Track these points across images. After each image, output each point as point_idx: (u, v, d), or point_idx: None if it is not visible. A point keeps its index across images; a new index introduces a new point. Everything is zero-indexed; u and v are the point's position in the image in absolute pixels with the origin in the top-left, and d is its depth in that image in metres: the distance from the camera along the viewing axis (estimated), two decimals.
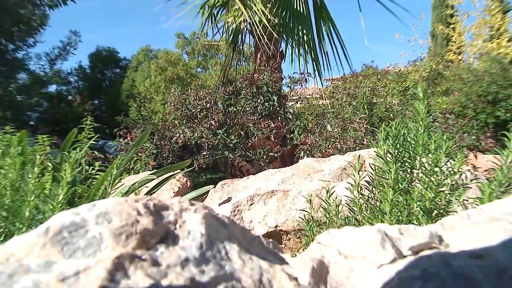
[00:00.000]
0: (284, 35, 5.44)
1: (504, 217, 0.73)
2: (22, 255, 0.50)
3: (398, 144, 1.24)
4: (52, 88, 13.59)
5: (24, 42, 10.00)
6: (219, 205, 2.41)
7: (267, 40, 4.89)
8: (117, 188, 2.05)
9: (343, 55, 5.79)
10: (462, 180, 1.24)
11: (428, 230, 0.69)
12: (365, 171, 1.35)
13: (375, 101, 4.75)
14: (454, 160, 1.20)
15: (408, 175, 1.28)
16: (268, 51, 5.17)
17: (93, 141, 2.99)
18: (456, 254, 0.60)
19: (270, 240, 0.72)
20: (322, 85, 5.74)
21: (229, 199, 2.44)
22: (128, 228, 0.53)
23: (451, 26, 12.58)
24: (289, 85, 5.77)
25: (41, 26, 10.12)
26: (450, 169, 1.18)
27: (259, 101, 4.85)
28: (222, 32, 5.68)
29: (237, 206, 2.30)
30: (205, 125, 4.63)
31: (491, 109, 5.64)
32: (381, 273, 0.60)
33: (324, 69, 5.60)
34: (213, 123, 4.63)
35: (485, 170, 3.85)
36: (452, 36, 12.39)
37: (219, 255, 0.56)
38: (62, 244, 0.51)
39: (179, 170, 2.51)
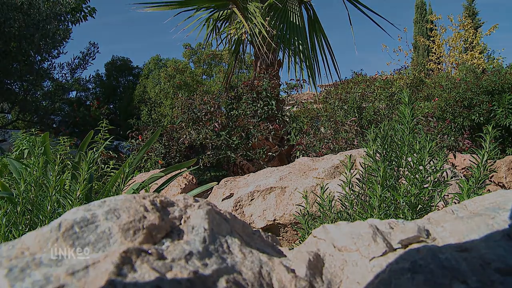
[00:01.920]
0: (281, 45, 5.42)
1: (486, 212, 0.71)
2: (36, 249, 0.48)
3: (386, 145, 1.23)
4: (73, 94, 13.61)
5: (49, 54, 10.04)
6: (222, 201, 2.38)
7: (266, 50, 4.87)
8: (129, 184, 2.03)
9: (332, 64, 5.80)
10: (443, 177, 1.23)
11: (416, 224, 0.66)
12: (356, 169, 1.33)
13: (364, 105, 4.73)
14: (436, 159, 1.18)
15: (395, 173, 1.26)
16: (267, 59, 5.15)
17: (108, 142, 2.97)
18: (443, 247, 0.58)
19: (269, 234, 0.70)
20: (316, 91, 5.72)
21: (231, 195, 2.41)
22: (135, 224, 0.51)
23: (431, 39, 12.63)
24: (286, 90, 5.75)
25: (64, 39, 10.16)
26: (433, 167, 1.17)
27: (258, 105, 4.83)
28: (225, 42, 5.66)
29: (239, 202, 2.28)
30: (209, 127, 4.61)
31: (467, 113, 5.64)
32: (373, 265, 0.58)
33: (317, 76, 5.59)
34: (217, 125, 4.61)
35: (463, 168, 3.84)
36: (432, 47, 12.44)
37: (221, 249, 0.53)
38: (73, 239, 0.48)
39: (185, 168, 2.48)
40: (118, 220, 0.51)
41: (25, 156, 3.36)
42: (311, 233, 0.72)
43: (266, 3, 5.06)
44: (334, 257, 0.60)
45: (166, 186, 2.47)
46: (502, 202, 0.70)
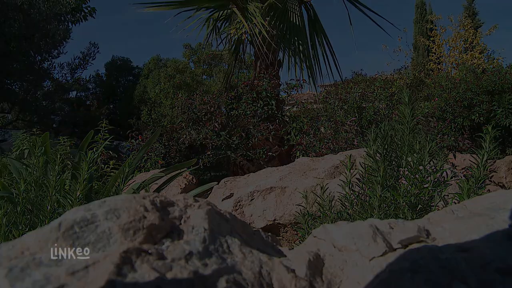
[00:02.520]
0: (281, 45, 5.42)
1: (486, 212, 0.71)
2: (36, 249, 0.48)
3: (386, 145, 1.23)
4: (73, 94, 13.63)
5: (49, 53, 10.08)
6: (222, 201, 2.38)
7: (266, 50, 4.87)
8: (129, 184, 2.03)
9: (333, 64, 5.80)
10: (443, 177, 1.23)
11: (416, 224, 0.66)
12: (356, 169, 1.32)
13: (364, 105, 4.73)
14: (436, 159, 1.18)
15: (395, 173, 1.26)
16: (267, 59, 5.15)
17: (108, 142, 2.97)
18: (443, 247, 0.58)
19: (269, 234, 0.70)
20: (316, 91, 5.72)
21: (231, 195, 2.41)
22: (135, 224, 0.51)
23: (431, 39, 12.62)
24: (286, 90, 5.75)
25: (64, 39, 10.19)
26: (433, 167, 1.17)
27: (258, 105, 4.83)
28: (225, 42, 5.67)
29: (239, 202, 2.28)
30: (209, 127, 4.61)
31: (467, 113, 5.64)
32: (373, 265, 0.58)
33: (317, 77, 5.59)
34: (217, 125, 4.61)
35: (463, 168, 3.83)
36: (432, 47, 12.43)
37: (221, 249, 0.53)
38: (73, 239, 0.48)
39: (185, 168, 2.49)
40: (118, 220, 0.51)
41: (25, 156, 3.36)
42: (311, 233, 0.72)
43: (266, 3, 5.06)
44: (334, 257, 0.60)
45: (166, 186, 2.47)
46: (502, 202, 0.70)
